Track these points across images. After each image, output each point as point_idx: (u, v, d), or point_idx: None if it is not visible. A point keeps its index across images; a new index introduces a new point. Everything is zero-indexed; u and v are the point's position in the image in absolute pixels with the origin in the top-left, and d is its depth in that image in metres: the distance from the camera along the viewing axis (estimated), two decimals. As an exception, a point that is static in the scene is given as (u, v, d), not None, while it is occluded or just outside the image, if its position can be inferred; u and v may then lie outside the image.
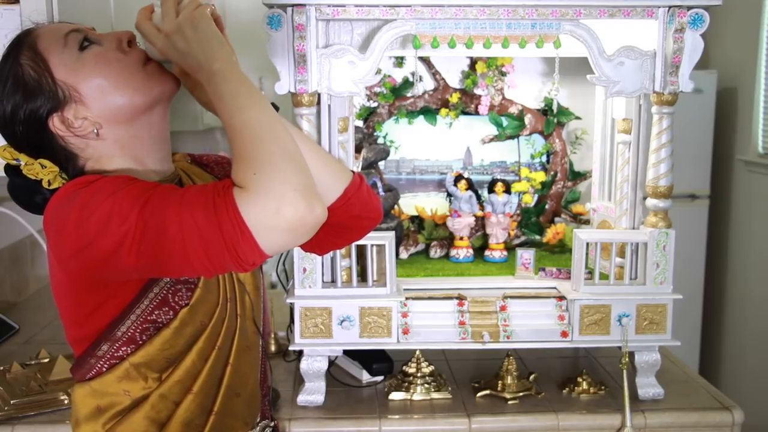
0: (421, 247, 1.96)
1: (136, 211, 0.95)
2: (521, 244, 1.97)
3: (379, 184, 1.90)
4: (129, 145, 1.14)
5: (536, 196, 2.03)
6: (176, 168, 1.23)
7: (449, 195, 1.99)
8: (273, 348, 1.96)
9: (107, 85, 1.10)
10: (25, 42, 1.12)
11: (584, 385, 1.74)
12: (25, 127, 1.11)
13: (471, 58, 1.97)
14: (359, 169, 1.88)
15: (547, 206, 2.03)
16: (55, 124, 1.10)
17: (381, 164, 2.00)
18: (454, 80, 2.00)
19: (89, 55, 1.10)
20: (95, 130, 1.11)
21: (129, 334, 1.10)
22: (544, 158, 2.04)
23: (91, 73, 1.09)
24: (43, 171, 1.12)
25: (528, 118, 2.00)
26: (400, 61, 1.96)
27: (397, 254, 1.87)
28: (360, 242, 1.64)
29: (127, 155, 1.14)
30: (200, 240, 0.93)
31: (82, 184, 1.02)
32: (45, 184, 1.12)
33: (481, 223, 1.96)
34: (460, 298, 1.69)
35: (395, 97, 1.97)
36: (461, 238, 1.93)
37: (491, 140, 2.02)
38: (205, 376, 1.14)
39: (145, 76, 1.12)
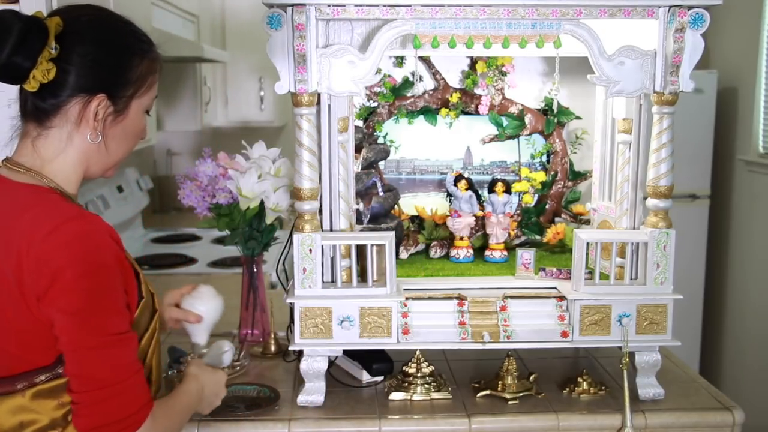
0: (421, 247, 1.96)
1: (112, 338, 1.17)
2: (521, 244, 1.96)
3: (379, 184, 1.90)
4: (83, 166, 1.28)
5: (536, 196, 2.03)
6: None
7: (449, 195, 1.99)
8: (273, 348, 1.96)
9: (124, 144, 1.32)
10: (156, 54, 1.32)
11: (584, 386, 1.74)
12: (116, 55, 1.25)
13: (471, 58, 1.97)
14: (359, 169, 1.87)
15: (547, 206, 2.03)
16: (98, 99, 1.23)
17: (381, 164, 2.00)
18: (454, 80, 2.00)
19: (143, 122, 1.33)
20: (96, 137, 1.25)
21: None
22: (544, 158, 2.04)
23: (132, 128, 1.31)
24: (40, 75, 1.18)
25: (528, 118, 2.00)
26: (400, 61, 1.96)
27: (397, 254, 1.87)
28: (360, 242, 1.65)
29: (73, 167, 1.27)
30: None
31: (89, 253, 1.14)
32: (29, 80, 1.19)
33: (481, 223, 1.96)
34: (460, 298, 1.69)
35: (395, 97, 1.97)
36: (461, 238, 1.93)
37: (491, 140, 2.02)
38: None
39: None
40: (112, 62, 1.25)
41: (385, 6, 1.54)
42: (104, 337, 1.15)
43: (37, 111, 1.23)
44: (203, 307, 1.59)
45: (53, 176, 1.24)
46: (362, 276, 1.67)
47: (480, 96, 1.98)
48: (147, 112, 1.34)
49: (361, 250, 1.67)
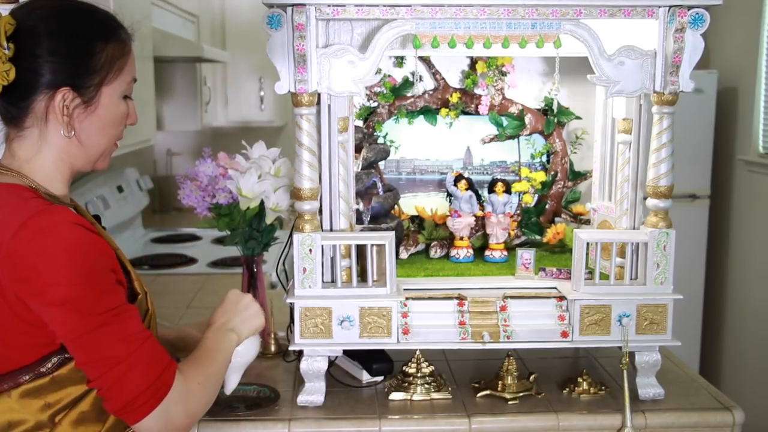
0: (421, 247, 1.96)
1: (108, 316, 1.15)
2: (521, 244, 1.96)
3: (379, 184, 1.90)
4: (65, 163, 1.26)
5: (536, 196, 2.03)
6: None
7: (449, 195, 1.99)
8: (273, 348, 1.96)
9: (102, 134, 1.27)
10: (124, 36, 1.27)
11: (584, 386, 1.74)
12: (68, 47, 1.21)
13: (471, 58, 1.97)
14: (359, 169, 1.87)
15: (547, 206, 2.03)
16: (61, 92, 1.19)
17: (381, 164, 2.00)
18: (454, 80, 2.00)
19: (121, 108, 1.28)
20: (69, 131, 1.22)
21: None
22: (544, 158, 2.04)
23: (110, 117, 1.26)
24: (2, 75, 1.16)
25: (528, 118, 2.00)
26: (400, 61, 1.96)
27: (397, 254, 1.87)
28: (360, 242, 1.65)
29: (54, 164, 1.25)
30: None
31: (62, 238, 1.13)
32: None
33: (481, 223, 1.96)
34: (460, 298, 1.69)
35: (395, 97, 1.97)
36: (461, 238, 1.93)
37: (491, 140, 2.02)
38: None
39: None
40: (71, 53, 1.20)
41: (385, 6, 1.54)
42: (98, 317, 1.13)
43: (9, 114, 1.22)
44: (241, 346, 1.41)
45: (33, 175, 1.22)
46: (362, 276, 1.67)
47: (480, 96, 1.98)
48: (127, 96, 1.29)
49: (361, 250, 1.67)
